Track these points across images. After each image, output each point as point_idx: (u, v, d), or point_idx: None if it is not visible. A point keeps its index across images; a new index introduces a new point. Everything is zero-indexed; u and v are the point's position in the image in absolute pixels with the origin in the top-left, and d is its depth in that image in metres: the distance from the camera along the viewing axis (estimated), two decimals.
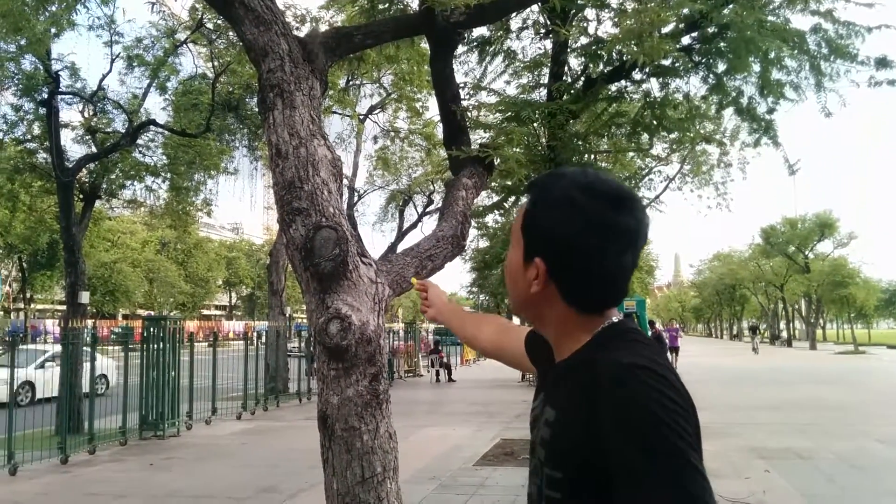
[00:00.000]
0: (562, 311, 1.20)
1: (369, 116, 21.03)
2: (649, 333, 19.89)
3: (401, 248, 21.55)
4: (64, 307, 20.24)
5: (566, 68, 9.38)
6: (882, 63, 7.80)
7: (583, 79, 9.15)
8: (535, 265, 1.18)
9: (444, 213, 3.62)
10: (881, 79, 7.81)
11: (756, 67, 8.02)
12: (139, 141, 13.78)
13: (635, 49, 5.98)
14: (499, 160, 4.23)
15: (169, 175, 14.76)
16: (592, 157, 10.23)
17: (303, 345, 19.43)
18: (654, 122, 9.12)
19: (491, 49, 8.99)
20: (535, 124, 7.39)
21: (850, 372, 24.64)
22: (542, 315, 1.25)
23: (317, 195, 2.82)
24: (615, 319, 1.21)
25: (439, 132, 19.41)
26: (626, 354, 1.10)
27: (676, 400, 1.04)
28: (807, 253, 47.36)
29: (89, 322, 13.93)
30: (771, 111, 8.49)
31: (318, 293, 2.72)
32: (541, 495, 1.18)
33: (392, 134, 20.25)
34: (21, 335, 29.35)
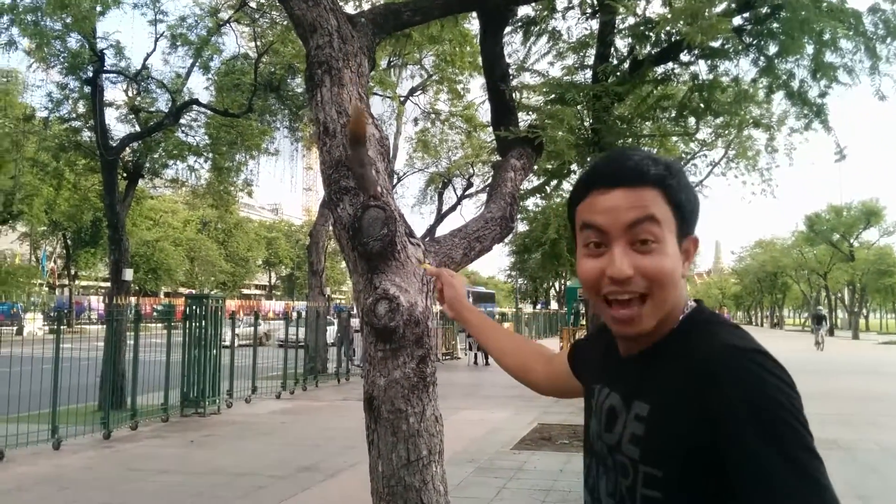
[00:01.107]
0: (683, 288, 1.18)
1: (410, 98, 20.95)
2: None
3: (440, 231, 21.53)
4: (107, 284, 20.67)
5: (612, 49, 9.19)
6: None
7: (629, 60, 8.95)
8: (687, 244, 1.17)
9: (491, 194, 3.55)
10: None
11: (809, 49, 7.76)
12: (182, 121, 13.92)
13: (690, 28, 5.79)
14: (548, 141, 4.14)
15: (211, 155, 14.91)
16: (637, 140, 10.00)
17: (335, 326, 19.69)
18: (702, 106, 8.89)
19: (536, 29, 8.82)
20: (579, 106, 7.25)
21: (889, 363, 23.99)
22: (676, 303, 1.16)
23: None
24: (692, 301, 1.20)
25: (480, 115, 19.32)
26: (736, 339, 1.06)
27: (793, 386, 1.01)
28: (852, 241, 46.13)
29: (132, 299, 14.18)
30: (823, 95, 8.21)
31: (366, 273, 2.68)
32: (633, 496, 1.10)
33: (433, 116, 20.17)
34: (66, 311, 30.13)
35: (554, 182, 10.38)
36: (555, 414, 11.73)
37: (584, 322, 26.78)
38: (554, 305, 57.09)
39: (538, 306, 57.04)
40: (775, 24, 7.85)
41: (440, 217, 24.53)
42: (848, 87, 8.20)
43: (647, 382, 1.12)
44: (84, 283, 54.65)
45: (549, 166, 9.31)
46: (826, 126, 8.48)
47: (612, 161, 1.20)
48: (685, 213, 1.15)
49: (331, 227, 19.36)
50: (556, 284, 54.11)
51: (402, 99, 20.18)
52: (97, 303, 44.08)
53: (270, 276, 77.93)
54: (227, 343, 12.73)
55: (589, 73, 9.37)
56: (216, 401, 11.95)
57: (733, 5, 7.47)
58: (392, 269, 2.67)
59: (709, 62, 8.57)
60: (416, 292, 2.70)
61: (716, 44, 8.29)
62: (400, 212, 2.79)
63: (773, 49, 8.06)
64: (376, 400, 2.68)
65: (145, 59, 13.30)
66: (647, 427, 1.09)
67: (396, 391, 2.66)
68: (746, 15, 7.88)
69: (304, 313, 17.72)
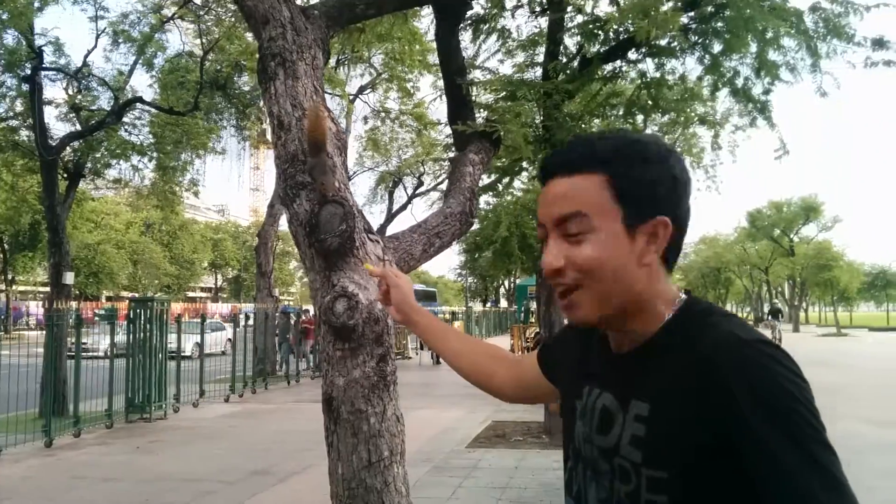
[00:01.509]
0: (660, 275, 1.09)
1: (359, 96, 20.78)
2: None
3: (390, 230, 21.40)
4: (46, 289, 19.97)
5: (562, 47, 9.26)
6: (879, 44, 7.73)
7: (578, 58, 9.03)
8: (649, 228, 1.06)
9: (450, 189, 3.51)
10: (877, 59, 7.76)
11: (753, 48, 7.95)
12: (125, 119, 13.51)
13: (643, 22, 5.85)
14: (504, 136, 4.12)
15: (155, 154, 14.50)
16: None
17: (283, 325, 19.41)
18: (650, 103, 9.02)
19: (485, 27, 8.83)
20: (528, 104, 7.28)
21: (835, 354, 24.87)
22: (642, 293, 1.08)
23: None
24: (684, 294, 1.12)
25: (430, 113, 19.31)
26: (739, 329, 1.00)
27: (803, 376, 0.97)
28: (792, 236, 47.73)
29: (73, 304, 13.69)
30: (767, 92, 8.42)
31: (324, 271, 2.61)
32: (636, 501, 1.03)
33: (382, 114, 20.03)
34: (3, 316, 28.86)
35: (506, 180, 10.43)
36: (508, 412, 11.76)
37: (533, 320, 27.03)
38: (504, 304, 57.47)
39: (488, 304, 57.32)
40: (720, 23, 8.02)
41: (391, 216, 24.40)
42: (790, 85, 8.43)
43: (645, 380, 1.05)
44: (22, 287, 52.73)
45: (501, 163, 9.35)
46: (770, 122, 8.70)
47: (557, 150, 1.16)
48: (633, 196, 1.05)
49: (281, 227, 19.06)
50: (506, 283, 54.47)
51: (351, 97, 20.01)
52: (36, 308, 42.54)
53: (217, 279, 76.46)
54: (189, 352, 12.49)
55: (539, 71, 9.44)
56: (162, 406, 11.63)
57: (679, 3, 7.61)
58: (350, 266, 2.61)
59: (656, 60, 8.70)
60: (375, 289, 2.63)
61: (663, 42, 8.44)
62: (358, 207, 2.72)
63: (717, 48, 8.24)
64: (335, 400, 2.61)
65: (86, 57, 12.90)
66: (649, 427, 1.02)
67: (356, 391, 2.59)
68: (692, 14, 8.03)
69: (251, 316, 17.43)
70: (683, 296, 1.11)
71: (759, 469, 0.91)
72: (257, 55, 2.92)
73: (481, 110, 7.95)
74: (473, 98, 7.91)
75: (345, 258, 2.60)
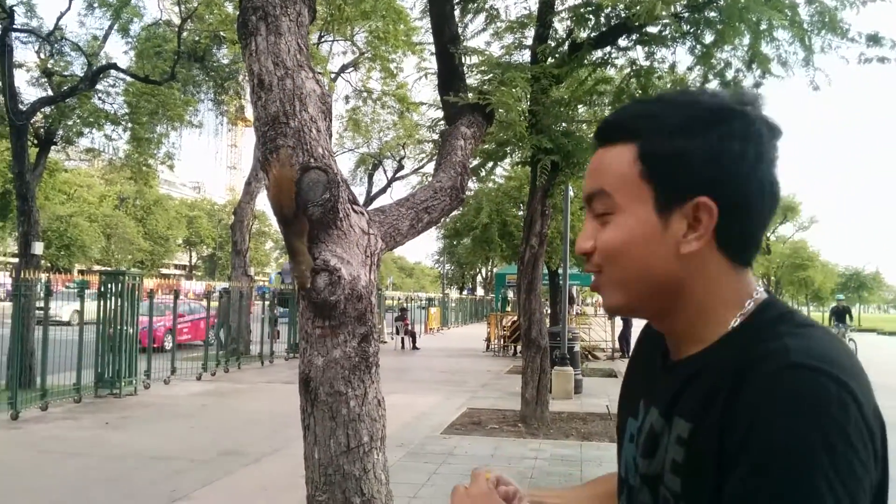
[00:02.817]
0: (715, 269, 0.88)
1: (341, 75, 20.42)
2: None
3: None
4: (16, 259, 19.50)
5: (551, 31, 9.10)
6: (873, 39, 7.68)
7: (568, 43, 8.89)
8: (687, 211, 0.86)
9: (440, 163, 3.33)
10: (871, 56, 7.71)
11: (745, 40, 7.86)
12: (99, 86, 13.09)
13: (642, 4, 5.70)
14: (498, 108, 3.97)
15: (129, 125, 14.10)
16: (574, 125, 9.98)
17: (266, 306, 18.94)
18: (639, 92, 8.91)
19: (473, 6, 8.64)
20: (523, 81, 7.11)
21: None
22: (685, 289, 0.89)
23: (304, 133, 2.52)
24: (761, 290, 0.91)
25: (413, 94, 19.03)
26: (799, 345, 0.78)
27: (851, 435, 0.72)
28: (769, 235, 48.15)
29: (43, 275, 13.33)
30: (757, 86, 8.36)
31: (304, 243, 2.43)
32: None
33: (364, 94, 19.71)
34: None
35: (489, 165, 10.28)
36: (483, 399, 11.69)
37: (509, 308, 27.01)
38: (480, 292, 57.51)
39: (464, 292, 57.31)
40: (712, 13, 7.91)
41: (369, 199, 24.13)
42: (781, 80, 8.35)
43: (691, 395, 0.86)
44: None
45: (486, 147, 9.19)
46: None
47: (610, 114, 0.98)
48: (665, 172, 0.87)
49: (258, 206, 18.70)
50: (483, 271, 54.44)
51: (332, 76, 19.67)
52: (3, 278, 41.73)
53: (191, 256, 75.64)
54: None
55: (527, 55, 9.28)
56: (133, 381, 11.38)
57: None
58: (333, 238, 2.43)
59: (646, 49, 8.60)
60: (358, 264, 2.47)
61: (654, 30, 8.32)
62: (343, 176, 2.54)
63: (709, 38, 8.14)
64: (313, 381, 2.45)
65: (59, 19, 12.48)
66: (688, 452, 0.83)
67: (336, 372, 2.43)
68: (685, 2, 7.91)
69: (226, 295, 17.14)
70: (760, 297, 0.89)
71: None
72: (237, 22, 2.71)
73: (473, 83, 7.78)
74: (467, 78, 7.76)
75: (327, 230, 2.42)
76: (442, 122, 9.38)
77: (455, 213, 20.82)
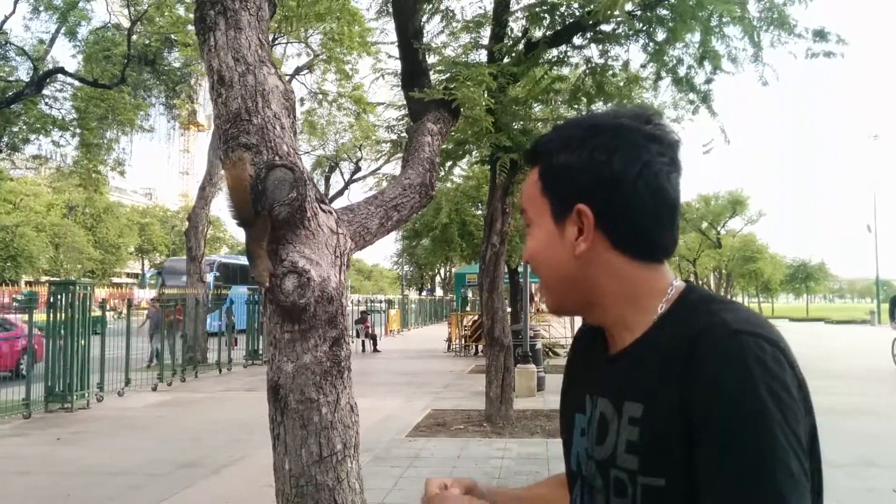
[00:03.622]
0: (619, 266, 0.99)
1: (296, 77, 20.11)
2: None
3: None
4: None
5: (507, 30, 9.10)
6: (820, 35, 7.85)
7: (524, 42, 8.90)
8: (574, 218, 0.98)
9: (408, 160, 3.26)
10: (818, 51, 7.88)
11: (697, 37, 7.99)
12: (45, 91, 12.71)
13: (599, 1, 5.72)
14: (464, 103, 3.90)
15: (78, 130, 13.67)
16: (532, 123, 9.99)
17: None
18: (594, 89, 8.98)
19: (429, 7, 8.58)
20: (482, 84, 7.08)
21: None
22: (595, 286, 1.00)
23: (268, 130, 2.43)
24: (676, 278, 1.01)
25: (369, 96, 18.87)
26: (737, 318, 0.89)
27: (790, 386, 0.84)
28: (719, 229, 49.23)
29: None
30: (709, 81, 8.50)
31: (271, 244, 2.33)
32: None
33: (320, 96, 19.46)
34: None
35: (448, 164, 10.23)
36: (446, 399, 11.64)
37: (468, 309, 27.02)
38: (439, 292, 57.48)
39: (423, 293, 57.22)
40: (664, 11, 8.00)
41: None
42: (732, 76, 8.50)
43: (639, 378, 0.94)
44: None
45: (445, 147, 9.14)
46: (711, 111, 8.78)
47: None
48: (553, 186, 1.02)
49: (213, 211, 18.32)
50: (442, 271, 54.42)
51: (287, 78, 19.38)
52: None
53: (143, 264, 73.94)
54: None
55: (483, 54, 9.26)
56: (85, 395, 11.02)
57: None
58: (301, 238, 2.34)
59: (600, 46, 8.65)
60: (328, 265, 2.38)
61: (608, 28, 8.38)
62: (309, 175, 2.45)
63: (661, 35, 8.25)
64: (283, 388, 2.35)
65: (2, 23, 12.05)
66: (642, 429, 0.90)
67: (306, 378, 2.34)
68: (637, 0, 7.99)
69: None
70: (679, 284, 1.00)
71: (701, 473, 0.83)
72: (191, 22, 2.60)
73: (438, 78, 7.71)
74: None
75: (294, 230, 2.33)
76: (400, 122, 9.35)
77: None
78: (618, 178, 0.96)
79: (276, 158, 2.35)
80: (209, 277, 21.17)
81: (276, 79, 2.54)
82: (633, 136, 0.97)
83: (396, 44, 4.12)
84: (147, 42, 14.53)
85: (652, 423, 0.89)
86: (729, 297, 63.24)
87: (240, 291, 22.25)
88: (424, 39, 8.31)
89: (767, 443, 0.80)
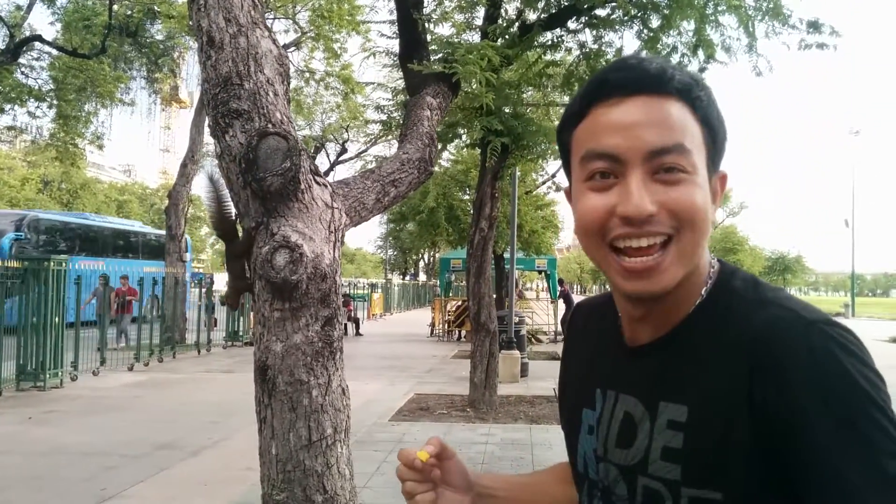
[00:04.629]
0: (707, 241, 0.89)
1: None
2: (558, 291, 20.07)
3: None
4: None
5: (502, 11, 8.97)
6: (814, 26, 7.80)
7: (518, 24, 8.77)
8: (717, 181, 0.88)
9: (406, 134, 3.11)
10: (811, 42, 7.83)
11: (691, 24, 7.91)
12: (22, 59, 12.30)
13: None
14: (464, 78, 3.76)
15: (55, 101, 13.30)
16: (525, 107, 9.88)
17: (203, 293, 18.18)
18: (588, 74, 8.86)
19: None
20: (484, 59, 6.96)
21: None
22: (699, 248, 0.85)
23: (260, 96, 2.27)
24: (715, 261, 0.91)
25: (357, 76, 18.59)
26: (797, 306, 0.80)
27: (877, 370, 0.76)
28: None
29: None
30: (702, 70, 8.42)
31: (261, 217, 2.19)
32: None
33: (307, 75, 19.12)
34: None
35: (438, 146, 10.09)
36: (429, 384, 11.56)
37: (451, 294, 26.95)
38: (423, 277, 57.39)
39: (407, 278, 57.12)
40: None
41: None
42: (725, 66, 8.44)
43: (678, 375, 0.84)
44: None
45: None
46: None
47: (623, 65, 0.87)
48: (718, 138, 0.86)
49: (193, 189, 18.03)
50: (426, 256, 54.28)
51: None
52: None
53: None
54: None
55: (476, 36, 9.11)
56: (58, 373, 10.78)
57: None
58: (294, 211, 2.20)
59: (594, 32, 8.55)
60: (322, 241, 2.24)
61: (603, 13, 8.27)
62: (304, 145, 2.31)
63: (656, 22, 8.16)
64: (271, 369, 2.21)
65: None
66: (689, 436, 0.80)
67: (297, 359, 2.20)
68: None
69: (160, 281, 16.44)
70: (715, 264, 0.90)
71: (815, 485, 0.73)
72: None
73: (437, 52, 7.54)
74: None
75: (287, 202, 2.19)
76: (390, 102, 9.19)
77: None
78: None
79: (269, 126, 2.20)
80: (5, 241, 17.47)
81: (269, 42, 2.38)
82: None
83: (393, 18, 3.96)
84: (129, 13, 14.18)
85: (704, 429, 0.79)
86: None
87: (85, 265, 16.99)
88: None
89: (879, 435, 0.72)
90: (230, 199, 2.37)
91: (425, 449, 1.03)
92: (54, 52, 12.64)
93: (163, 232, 26.02)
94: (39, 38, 12.08)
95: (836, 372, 0.74)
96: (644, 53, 8.60)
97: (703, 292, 0.86)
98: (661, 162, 0.81)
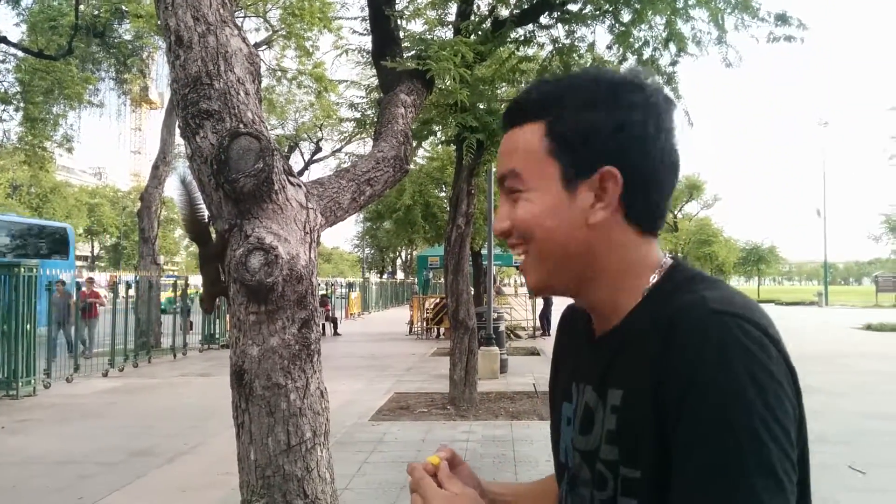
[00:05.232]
0: (625, 238, 0.91)
1: None
2: None
3: None
4: None
5: (475, 7, 8.96)
6: (781, 19, 7.89)
7: (491, 19, 8.77)
8: (593, 182, 0.89)
9: (381, 132, 3.07)
10: (779, 35, 7.92)
11: (661, 20, 7.96)
12: None
13: None
14: (438, 75, 3.73)
15: (22, 104, 13.04)
16: (499, 103, 9.87)
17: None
18: (561, 69, 8.89)
19: None
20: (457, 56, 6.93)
21: None
22: (596, 260, 0.91)
23: (231, 95, 2.23)
24: (667, 255, 0.95)
25: (330, 74, 18.45)
26: (716, 296, 0.82)
27: (775, 373, 0.76)
28: (676, 213, 50.00)
29: None
30: (674, 63, 8.48)
31: (234, 218, 2.15)
32: None
33: (279, 74, 18.96)
34: None
35: (413, 144, 10.05)
36: (409, 382, 11.53)
37: (429, 291, 26.93)
38: (400, 275, 57.28)
39: (384, 276, 56.98)
40: None
41: None
42: (696, 59, 8.51)
43: (619, 362, 0.89)
44: None
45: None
46: (676, 93, 8.78)
47: (511, 101, 0.99)
48: (570, 145, 0.90)
49: (166, 192, 17.81)
50: (403, 254, 54.19)
51: None
52: None
53: (93, 246, 72.00)
54: None
55: (449, 32, 9.08)
56: (31, 381, 10.59)
57: None
58: (268, 213, 2.16)
59: (567, 27, 8.57)
60: (297, 242, 2.21)
61: (574, 7, 8.30)
62: (276, 145, 2.27)
63: (627, 17, 8.21)
64: (248, 374, 2.17)
65: None
66: (621, 417, 0.85)
67: (274, 362, 2.17)
68: None
69: (133, 285, 16.22)
70: (667, 262, 0.93)
71: (674, 464, 0.77)
72: None
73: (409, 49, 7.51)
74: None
75: (260, 204, 2.15)
76: (364, 101, 9.13)
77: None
78: (651, 143, 0.89)
79: (241, 126, 2.16)
80: None
81: (239, 41, 2.34)
82: (657, 97, 0.91)
83: (365, 14, 3.92)
84: (96, 13, 13.95)
85: (628, 411, 0.84)
86: None
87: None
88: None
89: (746, 434, 0.73)
90: (203, 202, 2.33)
91: (437, 454, 1.03)
92: (20, 53, 12.38)
93: (48, 223, 23.34)
94: (4, 40, 11.83)
95: (715, 362, 0.75)
96: (616, 47, 8.67)
97: (648, 285, 0.91)
98: (506, 186, 0.94)
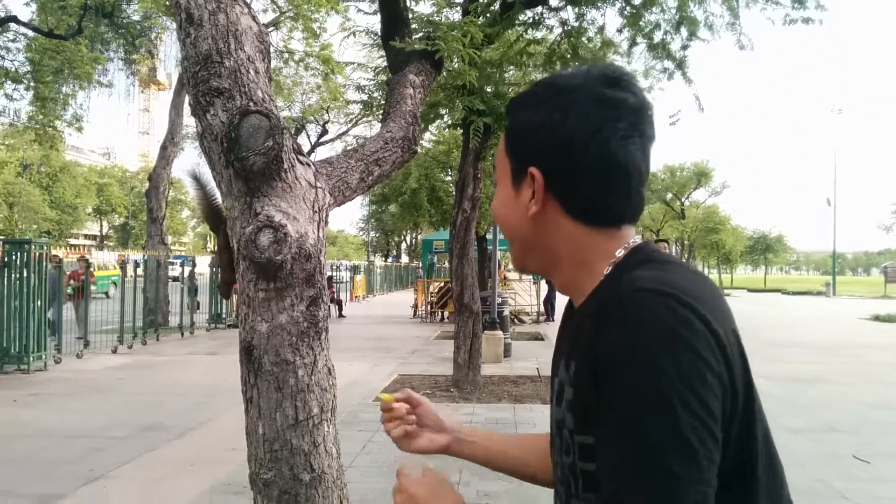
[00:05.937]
0: (570, 231, 0.97)
1: None
2: None
3: None
4: None
5: None
6: (798, 1, 7.81)
7: (499, 1, 8.72)
8: (527, 181, 0.97)
9: (389, 113, 3.10)
10: (796, 17, 7.84)
11: (673, 2, 7.90)
12: None
13: None
14: (447, 55, 3.74)
15: (33, 83, 13.07)
16: (507, 86, 9.84)
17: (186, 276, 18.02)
18: (570, 52, 8.84)
19: None
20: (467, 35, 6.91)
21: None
22: (550, 249, 1.00)
23: (241, 73, 2.26)
24: (638, 240, 0.98)
25: (337, 56, 18.40)
26: (652, 276, 0.87)
27: (699, 349, 0.79)
28: (683, 200, 49.78)
29: None
30: (685, 48, 8.41)
31: (244, 196, 2.19)
32: (575, 473, 0.92)
33: (286, 55, 18.91)
34: None
35: (421, 125, 10.04)
36: (413, 364, 11.61)
37: (433, 275, 26.99)
38: (405, 259, 57.38)
39: (389, 260, 57.08)
40: None
41: None
42: (707, 43, 8.44)
43: (575, 340, 0.94)
44: None
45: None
46: (687, 78, 8.71)
47: None
48: (513, 146, 1.01)
49: (174, 172, 17.83)
50: (408, 238, 54.24)
51: None
52: None
53: (102, 226, 72.33)
54: None
55: (457, 13, 9.04)
56: (42, 356, 10.72)
57: None
58: (277, 191, 2.20)
59: (576, 9, 8.51)
60: (306, 221, 2.24)
61: None
62: (286, 123, 2.30)
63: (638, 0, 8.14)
64: (257, 350, 2.22)
65: None
66: (573, 387, 0.91)
67: (282, 339, 2.21)
68: None
69: (142, 264, 16.32)
70: (630, 245, 0.97)
71: (595, 430, 0.84)
72: None
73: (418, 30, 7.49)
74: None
75: (270, 182, 2.18)
76: (371, 83, 9.12)
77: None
78: (569, 142, 0.93)
79: (251, 104, 2.19)
80: None
81: (249, 19, 2.36)
82: (590, 98, 0.93)
83: None
84: None
85: (579, 384, 0.89)
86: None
87: None
88: None
89: (655, 400, 0.77)
90: (217, 192, 2.37)
91: (393, 395, 1.26)
92: (30, 33, 12.39)
93: None
94: (15, 20, 11.86)
95: (632, 338, 0.79)
96: (626, 31, 8.60)
97: (608, 269, 0.95)
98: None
